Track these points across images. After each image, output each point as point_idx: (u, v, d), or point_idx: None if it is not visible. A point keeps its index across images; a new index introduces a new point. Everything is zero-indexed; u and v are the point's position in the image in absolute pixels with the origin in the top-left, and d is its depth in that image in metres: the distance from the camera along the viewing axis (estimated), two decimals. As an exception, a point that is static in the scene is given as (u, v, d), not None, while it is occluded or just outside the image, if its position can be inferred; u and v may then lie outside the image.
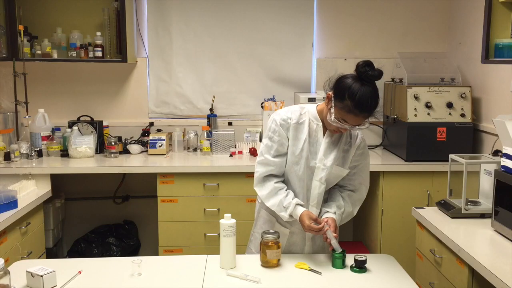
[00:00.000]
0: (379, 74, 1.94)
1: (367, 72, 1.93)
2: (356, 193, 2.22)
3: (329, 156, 2.11)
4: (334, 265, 2.03)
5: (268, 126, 2.16)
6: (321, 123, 2.12)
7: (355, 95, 1.91)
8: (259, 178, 2.14)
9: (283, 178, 2.18)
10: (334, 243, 2.02)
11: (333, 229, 2.05)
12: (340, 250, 2.03)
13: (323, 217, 2.13)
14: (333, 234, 2.02)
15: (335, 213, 2.14)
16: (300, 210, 2.07)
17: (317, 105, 2.16)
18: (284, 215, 2.08)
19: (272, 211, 2.20)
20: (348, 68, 3.92)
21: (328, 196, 2.23)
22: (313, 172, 2.12)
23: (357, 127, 2.00)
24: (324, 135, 2.12)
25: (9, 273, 1.62)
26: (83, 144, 3.51)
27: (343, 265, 2.02)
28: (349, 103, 1.93)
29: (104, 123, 3.77)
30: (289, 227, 2.21)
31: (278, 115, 2.14)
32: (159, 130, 3.89)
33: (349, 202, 2.20)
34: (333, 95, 1.99)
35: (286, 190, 2.12)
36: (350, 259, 2.04)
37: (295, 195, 2.14)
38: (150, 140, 3.63)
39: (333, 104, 1.98)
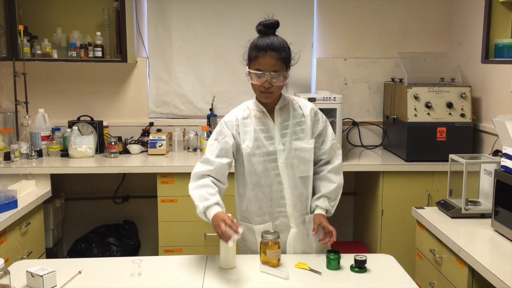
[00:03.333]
0: (274, 21, 2.07)
1: (262, 25, 2.06)
2: (332, 161, 2.20)
3: (285, 136, 2.12)
4: (328, 267, 2.01)
5: (214, 130, 2.18)
6: (265, 109, 2.13)
7: (256, 42, 2.05)
8: (196, 174, 2.09)
9: (222, 186, 2.11)
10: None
11: (317, 223, 2.09)
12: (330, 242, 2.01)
13: (314, 212, 2.15)
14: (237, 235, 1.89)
15: (317, 206, 2.15)
16: (217, 209, 1.96)
17: (255, 96, 2.18)
18: (200, 205, 1.98)
19: (245, 219, 2.21)
20: (348, 68, 3.98)
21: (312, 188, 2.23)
22: (276, 157, 2.12)
23: (276, 74, 2.00)
24: (274, 120, 2.13)
25: (9, 273, 1.62)
26: (83, 144, 3.51)
27: (338, 266, 2.01)
28: (253, 51, 2.04)
29: (104, 123, 3.77)
30: (269, 219, 2.17)
31: (224, 118, 2.17)
32: (159, 130, 3.89)
33: (331, 177, 2.18)
34: (247, 64, 2.09)
35: (216, 191, 2.03)
36: (350, 259, 2.04)
37: (265, 187, 2.13)
38: (150, 140, 3.63)
39: (247, 67, 2.07)
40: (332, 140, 2.20)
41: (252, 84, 2.06)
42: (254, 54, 2.03)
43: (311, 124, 2.15)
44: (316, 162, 2.21)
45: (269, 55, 2.00)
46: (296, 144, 2.12)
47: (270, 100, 2.09)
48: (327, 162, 2.21)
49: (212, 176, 2.09)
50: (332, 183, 2.18)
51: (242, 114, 2.15)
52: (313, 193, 2.22)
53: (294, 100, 2.19)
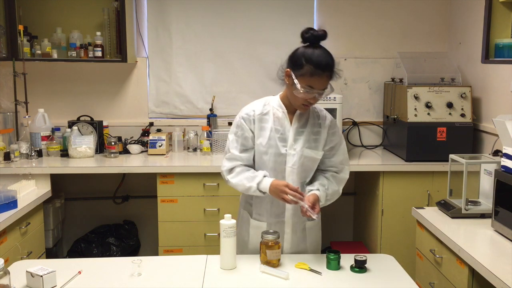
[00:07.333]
0: (324, 32, 2.01)
1: (312, 34, 2.01)
2: (340, 173, 2.21)
3: (298, 141, 2.12)
4: (328, 267, 2.01)
5: (233, 123, 2.19)
6: (286, 110, 2.13)
7: (312, 57, 1.98)
8: (226, 170, 2.14)
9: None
10: (311, 212, 1.99)
11: (311, 200, 2.03)
12: (316, 216, 2.00)
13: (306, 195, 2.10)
14: (308, 204, 2.00)
15: (318, 189, 2.11)
16: (269, 179, 2.05)
17: (279, 95, 2.18)
18: (253, 185, 2.05)
19: (247, 207, 2.22)
20: (348, 68, 3.98)
21: (311, 180, 2.21)
22: (285, 160, 2.12)
23: (324, 91, 2.01)
24: (291, 122, 2.13)
25: (9, 273, 1.62)
26: (83, 144, 3.51)
27: (338, 266, 2.01)
28: (309, 66, 1.97)
29: (104, 123, 3.77)
30: (265, 219, 2.18)
31: (242, 111, 2.17)
32: (159, 130, 3.89)
33: (333, 181, 2.18)
34: (291, 69, 2.02)
35: (253, 170, 2.13)
36: (350, 259, 2.04)
37: None
38: (150, 140, 3.63)
39: (294, 77, 2.00)
40: (343, 154, 2.21)
41: (294, 93, 2.02)
42: (310, 71, 1.97)
43: (326, 136, 2.15)
44: (321, 170, 2.22)
45: (326, 75, 1.98)
46: (307, 152, 2.12)
47: (306, 110, 2.11)
48: (335, 172, 2.22)
49: (242, 166, 2.15)
50: (335, 186, 2.18)
51: (260, 110, 2.14)
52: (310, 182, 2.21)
53: (315, 109, 2.18)
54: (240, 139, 2.13)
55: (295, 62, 2.01)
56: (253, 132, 2.13)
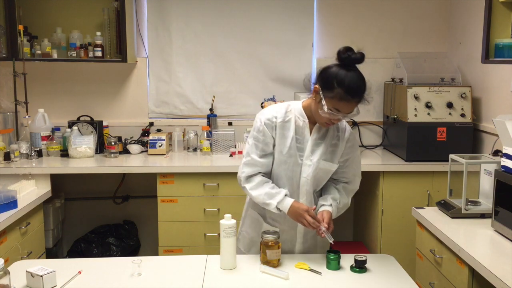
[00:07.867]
0: (362, 56, 1.94)
1: (350, 57, 1.94)
2: (350, 184, 2.21)
3: (316, 152, 2.10)
4: (328, 267, 2.02)
5: (253, 126, 2.14)
6: (308, 120, 2.10)
7: (344, 81, 1.92)
8: (245, 177, 2.10)
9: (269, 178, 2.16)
10: (327, 234, 2.01)
11: (327, 220, 2.04)
12: (332, 239, 2.01)
13: (318, 211, 2.11)
14: (324, 226, 2.01)
15: (331, 205, 2.12)
16: (290, 200, 2.05)
17: (302, 102, 2.14)
18: (273, 202, 2.03)
19: (260, 210, 2.20)
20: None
21: (323, 189, 2.21)
22: (301, 170, 2.11)
23: (349, 114, 1.98)
24: (311, 132, 2.11)
25: (9, 273, 1.62)
26: (83, 144, 3.51)
27: (338, 266, 2.01)
28: (339, 90, 1.92)
29: (104, 123, 3.77)
30: (278, 226, 2.17)
31: (263, 115, 2.11)
32: (159, 130, 3.89)
33: (344, 193, 2.19)
34: (320, 87, 1.98)
35: (273, 184, 2.11)
36: (350, 259, 2.04)
37: None
38: (150, 140, 3.63)
39: (322, 96, 1.96)
40: (357, 166, 2.21)
41: (319, 111, 1.99)
42: (340, 95, 1.92)
43: (343, 150, 2.14)
44: (333, 180, 2.22)
45: (355, 101, 1.95)
46: (323, 164, 2.11)
47: (327, 127, 2.10)
48: (346, 183, 2.22)
49: (261, 173, 2.12)
50: (345, 199, 2.19)
51: (282, 117, 2.09)
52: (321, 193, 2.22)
53: None
54: (261, 145, 2.09)
55: (325, 81, 1.96)
56: (274, 138, 2.10)
